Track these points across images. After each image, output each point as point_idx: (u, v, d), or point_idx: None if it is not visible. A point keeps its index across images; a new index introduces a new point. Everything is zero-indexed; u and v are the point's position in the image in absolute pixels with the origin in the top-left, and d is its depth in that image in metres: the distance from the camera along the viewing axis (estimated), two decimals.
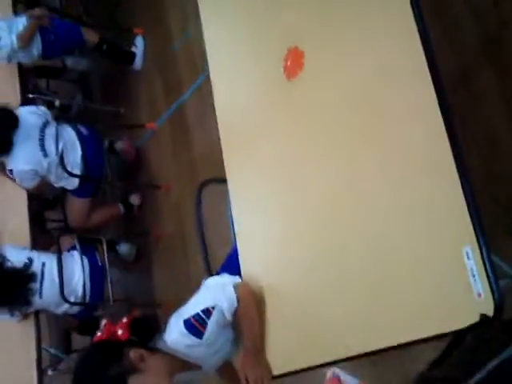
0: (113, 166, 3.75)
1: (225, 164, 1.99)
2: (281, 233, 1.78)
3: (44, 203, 3.96)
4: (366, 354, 1.47)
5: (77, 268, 3.19)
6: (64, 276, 3.05)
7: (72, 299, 3.10)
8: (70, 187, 3.41)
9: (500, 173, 2.24)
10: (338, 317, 1.54)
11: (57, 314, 3.20)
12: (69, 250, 3.27)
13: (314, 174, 1.68)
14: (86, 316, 3.33)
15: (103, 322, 1.62)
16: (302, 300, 1.67)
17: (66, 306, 3.12)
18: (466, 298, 1.28)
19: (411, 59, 1.43)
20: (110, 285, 3.26)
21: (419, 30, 1.43)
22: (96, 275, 3.23)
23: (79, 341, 3.61)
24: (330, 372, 0.78)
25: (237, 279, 1.71)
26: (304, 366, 1.61)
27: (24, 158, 3.15)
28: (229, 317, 1.64)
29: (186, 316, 1.61)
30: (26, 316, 3.13)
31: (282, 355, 1.67)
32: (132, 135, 3.97)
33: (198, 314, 1.59)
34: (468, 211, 1.31)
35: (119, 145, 3.87)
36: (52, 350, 3.37)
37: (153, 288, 3.67)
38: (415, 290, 1.38)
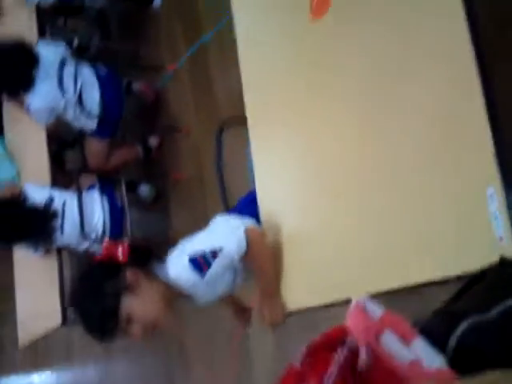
0: (132, 107, 3.72)
1: (246, 106, 1.97)
2: (300, 175, 1.78)
3: (63, 144, 3.97)
4: (381, 294, 1.46)
5: (97, 207, 3.23)
6: (84, 214, 3.11)
7: (92, 237, 3.16)
8: (88, 128, 3.42)
9: None
10: (355, 256, 1.54)
11: (78, 252, 3.27)
12: (88, 189, 3.31)
13: (336, 118, 1.66)
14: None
15: (104, 241, 1.67)
16: (318, 240, 1.67)
17: (86, 244, 3.18)
18: (487, 242, 1.25)
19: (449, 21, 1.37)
20: (128, 224, 3.28)
21: None
22: (115, 214, 3.26)
23: None
24: (355, 300, 0.79)
25: (247, 222, 1.68)
26: (318, 303, 1.62)
27: (42, 96, 3.16)
28: (237, 259, 1.63)
29: (192, 252, 1.60)
30: (48, 252, 3.21)
31: (297, 293, 1.68)
32: (151, 77, 3.94)
33: (204, 253, 1.58)
34: (494, 150, 1.27)
35: (136, 86, 3.83)
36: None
37: (170, 228, 3.70)
38: (434, 231, 1.37)
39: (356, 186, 1.57)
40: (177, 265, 1.62)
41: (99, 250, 3.05)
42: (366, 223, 1.53)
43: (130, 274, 1.58)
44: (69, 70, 3.24)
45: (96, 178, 3.35)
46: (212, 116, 3.47)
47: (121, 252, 1.57)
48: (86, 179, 3.35)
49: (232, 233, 1.62)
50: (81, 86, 3.24)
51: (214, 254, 1.57)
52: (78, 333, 4.19)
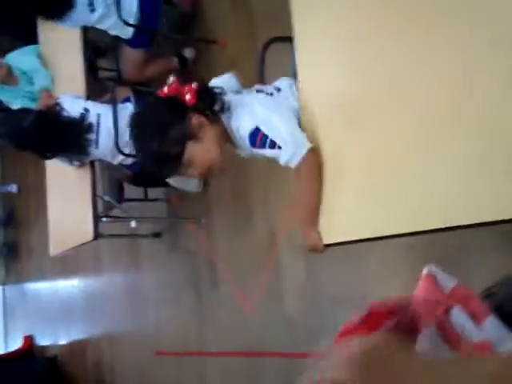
0: (168, 16, 3.58)
1: (292, 21, 1.83)
2: (345, 92, 1.66)
3: (96, 51, 3.90)
4: (430, 231, 1.39)
5: None
6: (119, 128, 3.03)
7: (127, 151, 3.09)
8: (124, 36, 3.34)
9: None
10: (395, 192, 1.46)
11: (112, 165, 3.27)
12: (123, 102, 3.22)
13: (386, 39, 1.53)
14: (139, 168, 3.37)
15: (171, 78, 1.63)
16: (359, 171, 1.57)
17: (121, 157, 3.16)
18: None
19: None
20: None
21: None
22: None
23: (132, 191, 3.75)
24: (426, 269, 0.74)
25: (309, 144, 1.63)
26: (354, 237, 1.56)
27: (72, 23, 3.21)
28: (281, 162, 1.64)
29: (259, 127, 1.62)
30: (83, 164, 3.21)
31: (339, 225, 1.62)
32: None
33: (266, 137, 1.61)
34: None
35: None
36: (106, 198, 3.46)
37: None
38: (478, 180, 1.29)
39: (407, 118, 1.46)
40: (242, 121, 1.66)
41: (133, 163, 3.22)
42: (410, 158, 1.44)
43: (195, 120, 1.62)
44: None
45: (131, 90, 3.25)
46: (250, 28, 3.34)
47: (188, 93, 1.60)
48: (121, 91, 3.27)
49: (294, 144, 1.61)
50: None
51: (273, 145, 1.60)
52: (107, 245, 4.43)
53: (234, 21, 3.52)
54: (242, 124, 1.66)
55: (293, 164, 1.61)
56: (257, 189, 3.26)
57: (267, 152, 1.63)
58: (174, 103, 1.62)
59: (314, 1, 1.81)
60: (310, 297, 2.93)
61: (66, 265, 5.41)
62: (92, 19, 3.24)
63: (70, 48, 3.38)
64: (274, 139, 1.60)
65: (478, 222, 1.29)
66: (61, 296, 5.83)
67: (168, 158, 1.61)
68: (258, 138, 1.62)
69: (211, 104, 1.67)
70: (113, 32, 3.32)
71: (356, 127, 1.59)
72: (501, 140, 1.26)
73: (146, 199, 3.95)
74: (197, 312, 3.80)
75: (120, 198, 3.58)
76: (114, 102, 3.11)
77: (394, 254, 2.39)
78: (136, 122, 1.70)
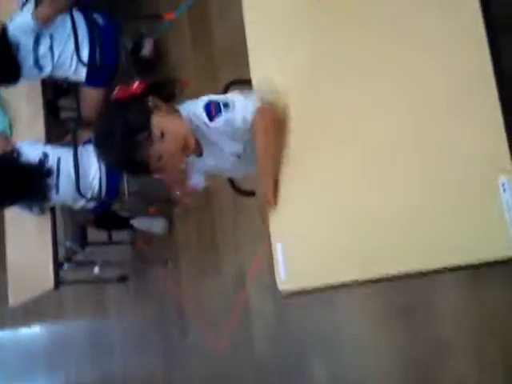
0: (129, 58, 3.56)
1: (250, 63, 1.86)
2: (296, 130, 1.66)
3: (58, 91, 3.86)
4: (384, 280, 1.41)
5: (93, 163, 3.12)
6: (80, 171, 3.01)
7: (88, 195, 3.08)
8: (81, 76, 3.29)
9: None
10: (361, 237, 1.45)
11: (74, 209, 3.21)
12: (84, 144, 3.17)
13: (338, 93, 1.55)
14: (102, 210, 3.35)
15: (116, 88, 1.62)
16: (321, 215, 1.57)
17: (82, 202, 3.11)
18: (500, 231, 1.18)
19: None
20: (125, 182, 3.20)
21: None
22: (112, 172, 3.14)
23: (95, 235, 3.67)
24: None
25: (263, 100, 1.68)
26: (321, 284, 1.54)
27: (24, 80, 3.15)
28: (241, 128, 1.65)
29: (207, 98, 1.67)
30: (43, 211, 3.14)
31: (298, 273, 1.60)
32: (149, 26, 3.80)
33: (217, 101, 1.65)
34: (507, 140, 1.19)
35: (145, 50, 3.69)
36: (68, 244, 3.38)
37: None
38: (446, 219, 1.29)
39: (363, 167, 1.47)
40: (196, 105, 1.67)
41: (95, 207, 3.17)
42: (378, 203, 1.43)
43: (152, 99, 1.61)
44: (44, 43, 3.13)
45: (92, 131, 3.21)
46: (212, 69, 3.34)
47: (136, 86, 1.60)
48: (84, 132, 3.22)
49: (245, 101, 1.67)
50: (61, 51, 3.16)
51: (226, 105, 1.63)
52: (71, 291, 4.33)
53: (195, 61, 3.53)
54: (197, 106, 1.67)
55: (249, 117, 1.63)
56: (223, 228, 3.22)
57: (223, 119, 1.63)
58: (127, 99, 1.61)
59: (268, 39, 1.83)
60: (281, 339, 2.88)
61: (28, 312, 5.25)
62: (44, 74, 3.21)
63: (30, 91, 3.36)
64: (226, 101, 1.65)
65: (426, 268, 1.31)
66: (22, 346, 5.65)
67: (138, 127, 1.54)
68: (211, 106, 1.64)
69: (167, 96, 1.67)
70: (71, 78, 3.30)
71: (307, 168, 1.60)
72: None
73: (110, 242, 3.86)
74: (166, 358, 3.71)
75: (83, 242, 3.51)
76: (74, 145, 3.07)
77: (362, 297, 2.39)
78: (97, 124, 1.68)
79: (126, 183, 3.22)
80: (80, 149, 3.09)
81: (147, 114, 1.56)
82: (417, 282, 1.70)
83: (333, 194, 1.52)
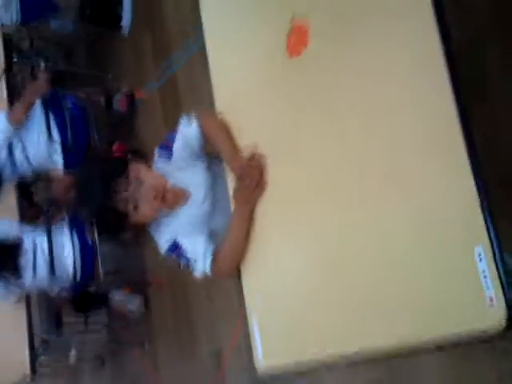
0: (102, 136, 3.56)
1: None
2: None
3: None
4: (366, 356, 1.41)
5: (67, 245, 3.12)
6: (54, 253, 3.00)
7: (64, 278, 3.07)
8: (53, 166, 3.33)
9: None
10: (339, 314, 1.45)
11: (49, 294, 3.19)
12: (57, 226, 3.19)
13: (315, 159, 1.56)
14: (78, 293, 3.35)
15: None
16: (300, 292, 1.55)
17: (58, 285, 3.11)
18: (477, 303, 1.22)
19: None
20: (100, 261, 3.19)
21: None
22: (87, 254, 3.16)
23: (72, 322, 3.59)
24: None
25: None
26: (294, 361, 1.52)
27: None
28: (196, 145, 1.71)
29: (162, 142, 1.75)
30: (20, 299, 3.09)
31: (273, 352, 1.56)
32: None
33: (168, 137, 1.72)
34: (481, 210, 1.24)
35: (117, 104, 3.75)
36: (43, 336, 3.30)
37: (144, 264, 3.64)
38: (424, 291, 1.31)
39: (341, 240, 1.48)
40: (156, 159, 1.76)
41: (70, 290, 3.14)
42: (349, 282, 1.44)
43: (131, 156, 1.71)
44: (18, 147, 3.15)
45: (65, 213, 3.23)
46: None
47: (116, 147, 1.77)
48: (56, 215, 3.28)
49: (187, 122, 1.74)
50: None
51: (171, 135, 1.71)
52: (46, 378, 3.97)
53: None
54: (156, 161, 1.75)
55: (195, 124, 1.70)
56: (198, 304, 3.22)
57: (179, 141, 1.70)
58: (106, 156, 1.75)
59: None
60: None
61: None
62: (25, 174, 3.25)
63: None
64: (172, 133, 1.72)
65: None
66: None
67: (114, 175, 1.60)
68: (165, 144, 1.73)
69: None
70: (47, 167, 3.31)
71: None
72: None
73: (86, 324, 3.72)
74: None
75: (58, 328, 3.44)
76: (48, 227, 3.08)
77: (349, 370, 2.37)
78: (77, 180, 1.74)
79: (101, 263, 3.18)
80: (54, 229, 3.09)
81: (125, 163, 1.64)
82: (399, 359, 1.72)
83: (311, 264, 1.51)
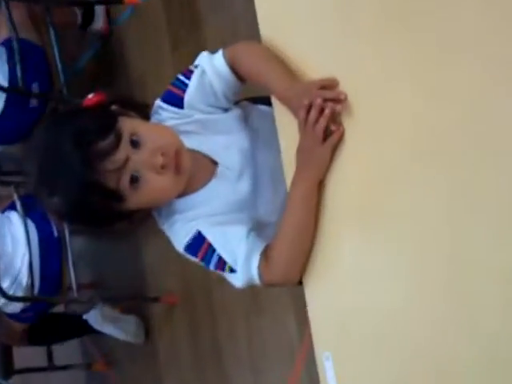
0: None
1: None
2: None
3: None
4: None
5: (18, 240, 2.57)
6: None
7: (12, 291, 2.49)
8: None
9: None
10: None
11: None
12: (4, 211, 2.69)
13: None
14: (36, 315, 2.77)
15: None
16: None
17: (2, 301, 2.51)
18: None
19: None
20: (71, 266, 2.61)
21: None
22: (51, 250, 2.63)
23: (29, 354, 2.99)
24: None
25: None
26: None
27: None
28: (217, 82, 1.35)
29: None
30: None
31: None
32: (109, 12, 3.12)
33: (177, 79, 1.40)
34: None
35: (97, 24, 3.06)
36: None
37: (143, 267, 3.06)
38: None
39: None
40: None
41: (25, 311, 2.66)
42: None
43: (117, 107, 1.33)
44: None
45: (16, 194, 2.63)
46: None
47: (91, 97, 1.29)
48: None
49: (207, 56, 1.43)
50: None
51: (189, 73, 1.37)
52: None
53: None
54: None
55: (219, 56, 1.36)
56: (231, 337, 2.59)
57: (194, 81, 1.36)
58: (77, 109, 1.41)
59: None
60: None
61: None
62: None
63: None
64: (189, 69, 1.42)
65: None
66: None
67: (97, 135, 1.19)
68: (171, 91, 1.43)
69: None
70: None
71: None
72: None
73: (51, 367, 3.06)
74: None
75: (8, 370, 2.87)
76: None
77: None
78: (35, 151, 1.31)
79: (73, 271, 2.61)
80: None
81: (112, 116, 1.26)
82: None
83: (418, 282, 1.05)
